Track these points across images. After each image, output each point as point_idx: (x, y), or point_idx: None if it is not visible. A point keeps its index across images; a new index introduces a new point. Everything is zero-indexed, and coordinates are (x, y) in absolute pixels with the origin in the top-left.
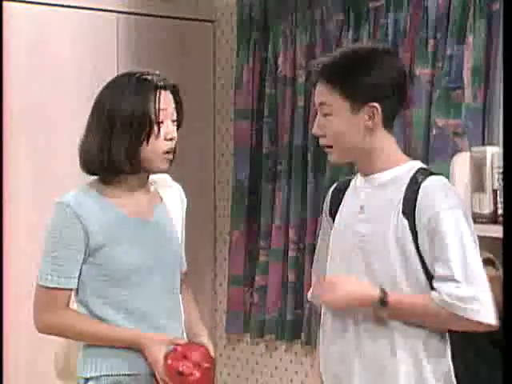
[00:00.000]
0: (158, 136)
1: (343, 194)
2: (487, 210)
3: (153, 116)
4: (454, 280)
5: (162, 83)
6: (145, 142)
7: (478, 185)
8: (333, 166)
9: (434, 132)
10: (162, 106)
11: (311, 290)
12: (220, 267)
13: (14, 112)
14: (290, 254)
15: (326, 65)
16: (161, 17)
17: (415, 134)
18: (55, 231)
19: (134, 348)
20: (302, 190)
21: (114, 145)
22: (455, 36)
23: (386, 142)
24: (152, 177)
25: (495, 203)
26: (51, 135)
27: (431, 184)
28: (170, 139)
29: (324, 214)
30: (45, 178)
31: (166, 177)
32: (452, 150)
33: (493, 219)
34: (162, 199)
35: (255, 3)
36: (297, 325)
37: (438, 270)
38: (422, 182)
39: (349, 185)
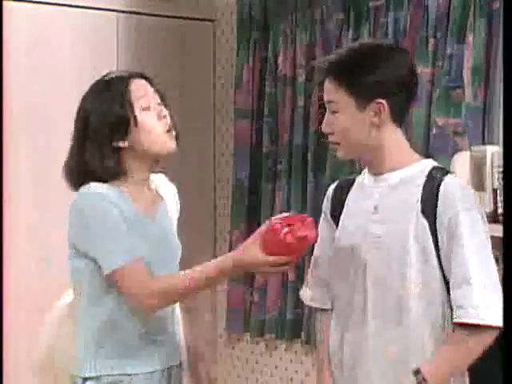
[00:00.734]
0: (149, 120)
1: (346, 194)
2: (487, 208)
3: (127, 105)
4: (469, 283)
5: (127, 74)
6: (134, 134)
7: (478, 184)
8: (333, 165)
9: (434, 131)
10: (138, 92)
11: (307, 292)
12: None
13: (14, 112)
14: None
15: (333, 62)
16: (161, 16)
17: (415, 133)
18: (98, 218)
19: (132, 344)
20: (302, 189)
21: (98, 151)
22: (455, 35)
23: (396, 139)
24: (151, 176)
25: (495, 202)
26: (51, 135)
27: (451, 184)
28: (164, 116)
29: (323, 215)
30: (45, 178)
31: (162, 177)
32: (452, 149)
33: (493, 218)
34: (162, 198)
35: (255, 2)
36: (297, 324)
37: (455, 273)
38: (440, 181)
39: (352, 184)
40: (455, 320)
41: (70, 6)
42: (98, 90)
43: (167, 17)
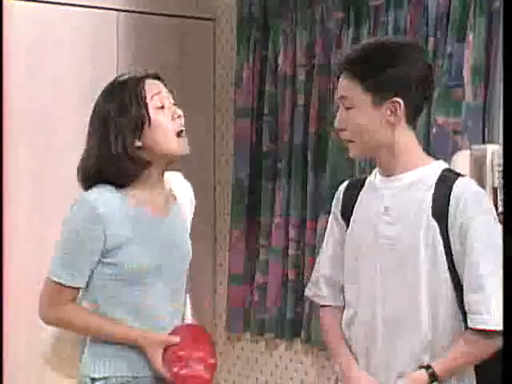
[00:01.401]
0: (162, 119)
1: (357, 195)
2: None
3: (142, 101)
4: (484, 289)
5: (142, 74)
6: (147, 132)
7: (478, 183)
8: (333, 164)
9: (434, 130)
10: (152, 90)
11: (314, 290)
12: (220, 266)
13: (14, 111)
14: (290, 252)
15: (350, 58)
16: (161, 15)
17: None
18: (73, 228)
19: (137, 347)
20: (301, 188)
21: (114, 147)
22: (455, 34)
23: (408, 140)
24: (166, 175)
25: (495, 201)
26: (51, 135)
27: (463, 187)
28: (178, 117)
29: (332, 215)
30: (45, 178)
31: (178, 175)
32: (452, 149)
33: None
34: (176, 198)
35: (255, 2)
36: (297, 323)
37: (468, 278)
38: (452, 184)
39: (363, 184)
40: (472, 326)
41: (70, 4)
42: (114, 90)
43: (167, 16)
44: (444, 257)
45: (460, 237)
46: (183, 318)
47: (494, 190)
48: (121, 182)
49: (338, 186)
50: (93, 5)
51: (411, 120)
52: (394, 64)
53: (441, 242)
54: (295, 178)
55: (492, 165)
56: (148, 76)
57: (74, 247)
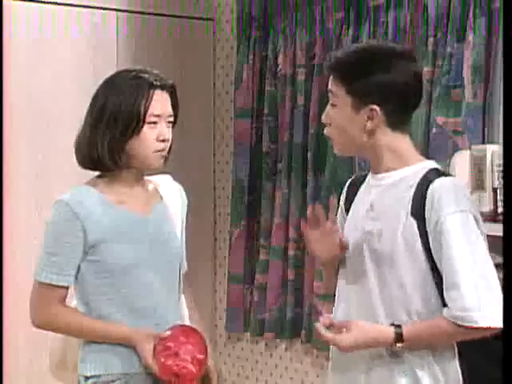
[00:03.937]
0: (149, 136)
1: (357, 189)
2: (487, 208)
3: (142, 114)
4: (459, 286)
5: (158, 83)
6: (133, 140)
7: (477, 183)
8: (333, 164)
9: (434, 130)
10: (156, 107)
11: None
12: (220, 266)
13: (14, 111)
14: (290, 252)
15: (339, 58)
16: (161, 15)
17: (415, 132)
18: (52, 228)
19: (129, 345)
20: (301, 188)
21: (100, 139)
22: (455, 34)
23: (392, 142)
24: (154, 177)
25: (495, 201)
26: (51, 134)
27: (440, 185)
28: (163, 140)
29: (340, 210)
30: (45, 178)
31: (167, 177)
32: (452, 149)
33: (493, 217)
34: (162, 198)
35: (255, 1)
36: (297, 323)
37: (445, 275)
38: (431, 182)
39: (363, 180)
40: (445, 315)
41: (70, 5)
42: (124, 82)
43: (167, 16)
44: (424, 254)
45: (435, 234)
46: (179, 317)
47: (494, 190)
48: (101, 171)
49: (338, 186)
50: (93, 5)
51: (395, 124)
52: (376, 72)
53: (419, 239)
54: (295, 178)
55: (492, 165)
56: (161, 87)
57: (56, 246)
